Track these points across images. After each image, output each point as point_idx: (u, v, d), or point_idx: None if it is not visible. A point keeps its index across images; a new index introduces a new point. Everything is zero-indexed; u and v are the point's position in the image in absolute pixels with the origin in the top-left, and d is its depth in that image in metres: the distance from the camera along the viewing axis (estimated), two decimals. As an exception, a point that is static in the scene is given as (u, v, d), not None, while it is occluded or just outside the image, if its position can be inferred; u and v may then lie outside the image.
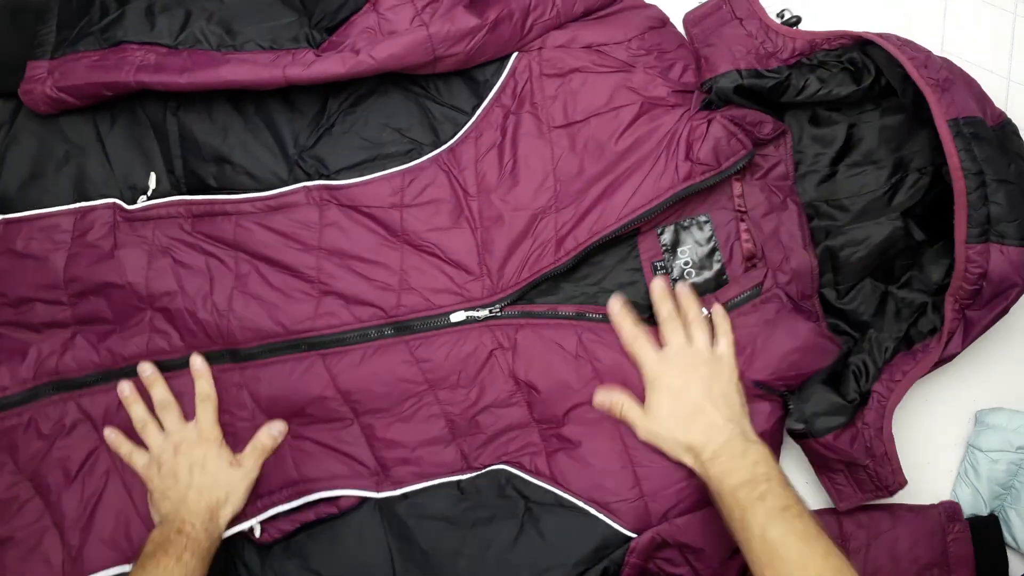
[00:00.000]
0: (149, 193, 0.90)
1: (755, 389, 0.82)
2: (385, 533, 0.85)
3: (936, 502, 0.89)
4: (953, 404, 0.92)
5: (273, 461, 0.87)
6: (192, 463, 0.84)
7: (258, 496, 0.87)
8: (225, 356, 0.87)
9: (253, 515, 0.86)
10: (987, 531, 0.87)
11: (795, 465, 0.89)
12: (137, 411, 0.86)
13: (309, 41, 0.88)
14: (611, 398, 0.83)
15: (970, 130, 0.74)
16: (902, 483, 0.81)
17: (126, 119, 0.91)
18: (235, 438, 0.87)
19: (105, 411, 0.87)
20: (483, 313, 0.86)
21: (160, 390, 0.86)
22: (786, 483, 0.74)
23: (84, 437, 0.87)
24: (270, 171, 0.89)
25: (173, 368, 0.88)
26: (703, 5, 0.91)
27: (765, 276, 0.86)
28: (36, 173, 0.91)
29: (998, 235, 0.74)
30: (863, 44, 0.83)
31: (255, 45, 0.87)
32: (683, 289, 0.86)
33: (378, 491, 0.86)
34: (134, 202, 0.90)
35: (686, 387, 0.81)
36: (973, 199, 0.73)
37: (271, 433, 0.86)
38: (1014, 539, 0.88)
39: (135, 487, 0.86)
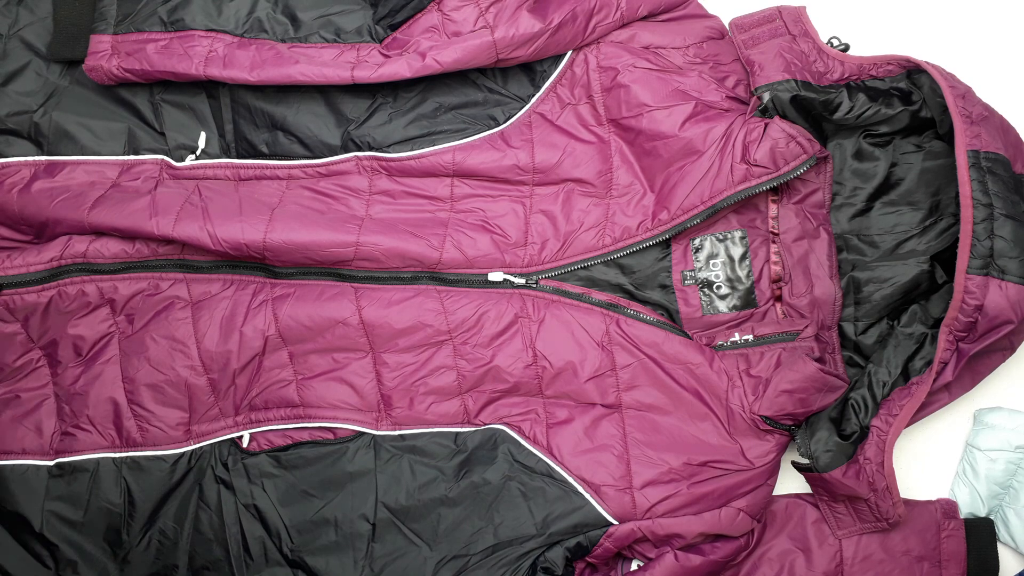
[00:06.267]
0: (198, 153, 0.91)
1: (764, 424, 0.84)
2: (375, 470, 0.88)
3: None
4: (952, 403, 0.90)
5: (276, 381, 0.89)
6: None
7: (252, 409, 0.89)
8: (258, 270, 0.89)
9: (244, 427, 0.89)
10: (981, 532, 0.88)
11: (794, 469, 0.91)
12: None
13: (372, 34, 0.88)
14: None
15: (988, 164, 0.75)
16: (901, 515, 0.83)
17: (181, 82, 0.90)
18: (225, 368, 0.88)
19: (127, 299, 0.88)
20: (520, 280, 0.89)
21: None
22: None
23: (101, 320, 0.89)
24: (322, 141, 0.90)
25: (200, 271, 0.89)
26: (754, 13, 0.90)
27: (806, 328, 0.88)
28: (87, 127, 0.91)
29: (999, 269, 0.74)
30: (909, 73, 0.84)
31: (319, 37, 0.88)
32: None
33: (376, 428, 0.89)
34: (182, 161, 0.91)
35: None
36: (978, 230, 0.74)
37: None
38: (1012, 538, 0.88)
39: (135, 381, 0.88)
